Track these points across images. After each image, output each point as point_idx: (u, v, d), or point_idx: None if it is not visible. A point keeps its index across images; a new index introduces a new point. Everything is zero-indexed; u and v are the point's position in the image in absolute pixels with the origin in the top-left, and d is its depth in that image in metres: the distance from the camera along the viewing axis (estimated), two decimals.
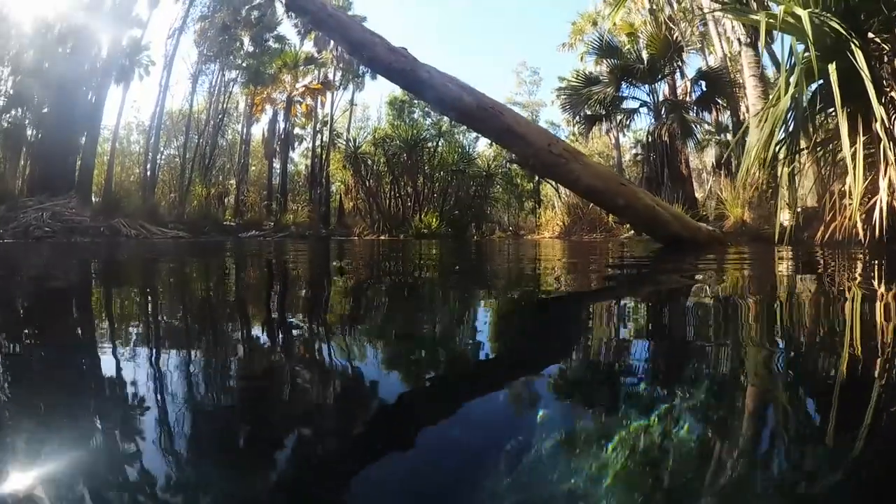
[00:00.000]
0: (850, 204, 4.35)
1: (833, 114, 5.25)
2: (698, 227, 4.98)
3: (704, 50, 12.77)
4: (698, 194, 14.69)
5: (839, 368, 0.85)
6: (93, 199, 16.32)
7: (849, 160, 4.23)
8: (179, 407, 0.69)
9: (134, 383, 0.80)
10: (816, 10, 4.38)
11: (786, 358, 0.94)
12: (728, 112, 12.66)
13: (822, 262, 3.30)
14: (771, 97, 4.79)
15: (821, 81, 4.65)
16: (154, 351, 1.06)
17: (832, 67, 4.00)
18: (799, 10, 4.22)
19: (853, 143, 4.27)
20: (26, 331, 1.32)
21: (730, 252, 4.36)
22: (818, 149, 5.23)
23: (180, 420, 0.65)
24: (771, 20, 4.29)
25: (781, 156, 4.95)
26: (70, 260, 4.36)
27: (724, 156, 9.73)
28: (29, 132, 16.53)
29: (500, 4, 62.48)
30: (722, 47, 11.42)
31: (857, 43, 4.19)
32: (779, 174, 5.26)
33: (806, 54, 4.41)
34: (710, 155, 18.70)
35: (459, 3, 64.21)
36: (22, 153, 16.34)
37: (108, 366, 0.91)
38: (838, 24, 4.23)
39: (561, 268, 3.31)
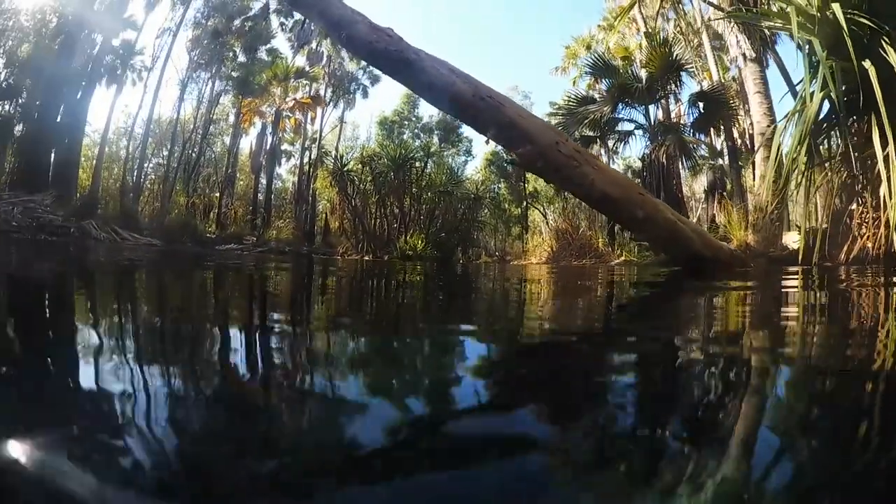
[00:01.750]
0: (884, 215, 3.91)
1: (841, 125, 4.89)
2: (720, 246, 4.47)
3: (700, 73, 12.66)
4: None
5: None
6: (78, 200, 15.68)
7: (882, 167, 3.80)
8: None
9: None
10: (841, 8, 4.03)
11: None
12: (722, 136, 12.48)
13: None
14: (795, 104, 4.38)
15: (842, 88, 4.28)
16: None
17: (869, 64, 3.60)
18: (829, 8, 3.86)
19: (884, 148, 3.85)
20: None
21: (773, 277, 3.85)
22: (836, 161, 4.83)
23: None
24: (801, 18, 3.90)
25: (802, 168, 4.53)
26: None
27: (750, 171, 9.35)
28: (18, 127, 15.99)
29: (490, 28, 63.41)
30: (717, 71, 11.26)
31: (888, 39, 3.82)
32: (798, 191, 4.83)
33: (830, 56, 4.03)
34: (700, 181, 18.64)
35: (447, 20, 64.73)
36: (9, 148, 15.74)
37: None
38: (868, 20, 3.86)
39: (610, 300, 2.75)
